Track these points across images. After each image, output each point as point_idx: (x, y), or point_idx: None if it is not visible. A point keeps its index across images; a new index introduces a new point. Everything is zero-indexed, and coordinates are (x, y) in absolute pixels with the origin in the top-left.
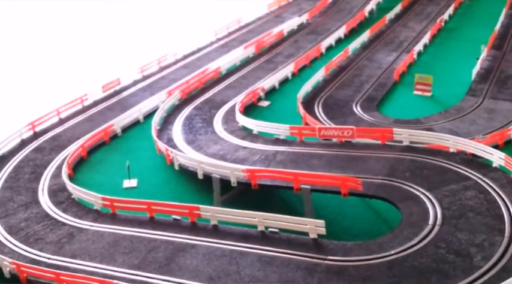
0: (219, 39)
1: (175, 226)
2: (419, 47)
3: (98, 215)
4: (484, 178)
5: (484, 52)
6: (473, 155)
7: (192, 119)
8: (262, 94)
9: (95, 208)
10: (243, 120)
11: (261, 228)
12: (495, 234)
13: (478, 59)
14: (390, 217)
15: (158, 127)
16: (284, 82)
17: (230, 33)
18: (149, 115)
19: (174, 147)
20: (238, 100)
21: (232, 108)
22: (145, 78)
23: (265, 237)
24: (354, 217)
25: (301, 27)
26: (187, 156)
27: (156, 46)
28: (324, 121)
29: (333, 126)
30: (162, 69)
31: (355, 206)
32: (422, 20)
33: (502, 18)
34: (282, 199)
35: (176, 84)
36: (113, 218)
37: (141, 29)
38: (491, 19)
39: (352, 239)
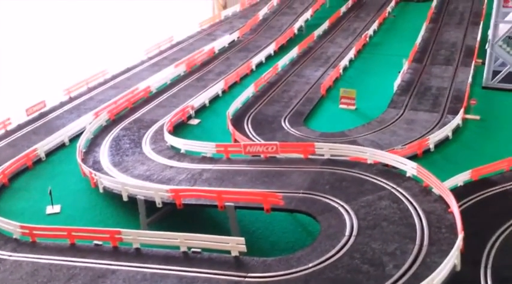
0: (150, 58)
1: (96, 251)
2: (345, 62)
3: (17, 244)
4: (398, 188)
5: (406, 65)
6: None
7: (119, 140)
8: (192, 112)
9: (14, 236)
10: (170, 140)
11: (183, 249)
12: (407, 242)
13: (399, 72)
14: (315, 230)
15: (84, 150)
16: (214, 99)
17: (161, 52)
18: (75, 138)
19: (100, 169)
20: (168, 119)
21: (162, 128)
22: (72, 99)
23: (188, 258)
24: (281, 232)
25: (232, 44)
26: (111, 178)
27: (84, 66)
28: (253, 138)
29: (258, 142)
30: (90, 89)
31: (282, 220)
32: (349, 35)
33: (422, 32)
34: (210, 217)
35: (104, 105)
36: (32, 246)
37: (69, 48)
38: (413, 33)
39: (278, 254)
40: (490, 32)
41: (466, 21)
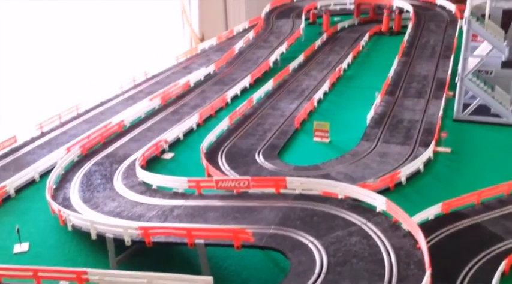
0: (124, 92)
1: None
2: (319, 94)
3: None
4: (367, 223)
5: (378, 98)
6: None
7: (91, 175)
8: (166, 146)
9: None
10: (142, 175)
11: None
12: (376, 280)
13: (372, 104)
14: (287, 266)
15: (54, 186)
16: (189, 133)
17: (136, 85)
18: (46, 174)
19: (69, 206)
20: (140, 154)
21: (134, 162)
22: (44, 134)
23: None
24: (252, 268)
25: (208, 77)
26: (80, 216)
27: (57, 100)
28: (227, 171)
29: (230, 177)
30: (63, 124)
31: (254, 256)
32: (323, 68)
33: (395, 65)
34: (181, 254)
35: (76, 140)
36: None
37: (42, 82)
38: (386, 66)
39: None
40: (459, 66)
41: (438, 54)
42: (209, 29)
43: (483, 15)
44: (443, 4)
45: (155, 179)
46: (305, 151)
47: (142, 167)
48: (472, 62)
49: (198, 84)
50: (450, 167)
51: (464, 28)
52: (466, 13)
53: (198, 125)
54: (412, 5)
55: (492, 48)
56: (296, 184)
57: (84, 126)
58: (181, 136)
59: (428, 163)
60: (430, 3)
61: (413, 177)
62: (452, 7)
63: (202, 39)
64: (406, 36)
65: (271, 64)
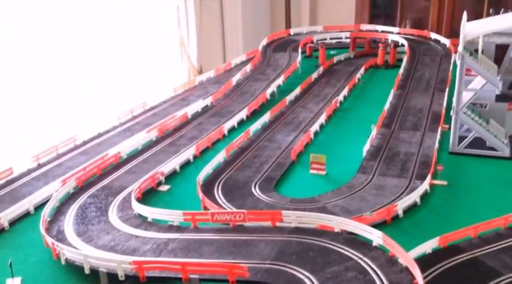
0: (122, 123)
1: None
2: (315, 127)
3: None
4: (364, 258)
5: (374, 131)
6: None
7: (86, 208)
8: (162, 178)
9: None
10: (138, 207)
11: None
12: None
13: (368, 137)
14: None
15: (49, 219)
16: (186, 165)
17: (134, 117)
18: (41, 206)
19: (63, 239)
20: (136, 186)
21: (130, 195)
22: (40, 166)
23: None
24: None
25: (205, 109)
26: (73, 249)
27: (55, 132)
28: (223, 204)
29: (226, 210)
30: (59, 156)
31: None
32: (320, 101)
33: (390, 98)
34: None
35: (72, 172)
36: None
37: (39, 114)
38: (382, 99)
39: None
40: (454, 100)
41: (433, 87)
42: (207, 61)
43: (476, 50)
44: (438, 38)
45: (150, 212)
46: (302, 183)
47: (138, 199)
48: (467, 96)
49: (196, 116)
50: (447, 200)
51: (458, 63)
52: (460, 48)
53: (195, 157)
54: (407, 39)
55: (486, 82)
56: (292, 217)
57: (81, 158)
58: (177, 168)
59: (424, 196)
60: (424, 37)
61: (410, 210)
62: (446, 41)
63: (200, 71)
64: (401, 70)
65: (268, 96)
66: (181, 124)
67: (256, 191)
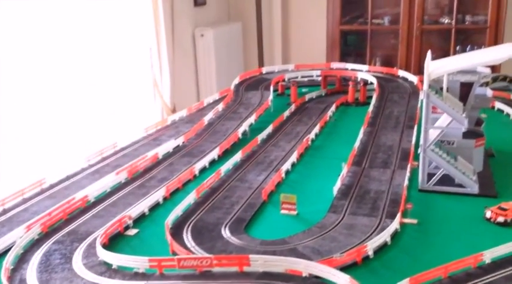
0: (91, 165)
1: None
2: (287, 165)
3: None
4: None
5: (345, 169)
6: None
7: (50, 255)
8: (130, 222)
9: None
10: (103, 254)
11: None
12: None
13: (339, 175)
14: None
15: (11, 267)
16: (155, 207)
17: (104, 158)
18: (4, 254)
19: None
20: (102, 232)
21: (96, 240)
22: (5, 211)
23: None
24: None
25: (176, 149)
26: None
27: (21, 175)
28: (192, 248)
29: (192, 256)
30: (25, 200)
31: None
32: (292, 139)
33: (361, 135)
34: None
35: (38, 217)
36: None
37: (6, 155)
38: (353, 136)
39: None
40: (421, 137)
41: (402, 124)
42: (181, 100)
43: (442, 88)
44: (405, 76)
45: (115, 258)
46: (272, 224)
47: (104, 245)
48: (434, 133)
49: (167, 156)
50: (417, 239)
51: (424, 101)
52: (425, 87)
53: (165, 199)
54: (376, 77)
55: (451, 120)
56: (260, 262)
57: (48, 202)
58: (146, 211)
59: (395, 235)
60: (392, 75)
61: (381, 250)
62: (414, 78)
63: (173, 111)
64: (371, 107)
65: (240, 135)
66: (152, 165)
67: (226, 233)
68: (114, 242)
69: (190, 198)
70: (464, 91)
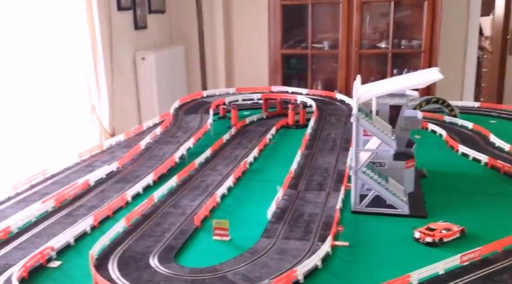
0: (18, 194)
1: None
2: (223, 189)
3: None
4: None
5: (280, 192)
6: None
7: None
8: (53, 253)
9: None
10: None
11: None
12: None
13: (274, 199)
14: None
15: None
16: (82, 237)
17: (32, 186)
18: None
19: None
20: (21, 265)
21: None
22: None
23: None
24: None
25: (110, 175)
26: None
27: None
28: (117, 279)
29: None
30: None
31: None
32: (230, 163)
33: (298, 158)
34: None
35: None
36: None
37: None
38: (292, 159)
39: None
40: (353, 160)
41: (338, 146)
42: (122, 125)
43: (372, 111)
44: (343, 98)
45: None
46: (204, 251)
47: (23, 279)
48: (365, 156)
49: (99, 183)
50: (348, 262)
51: (354, 125)
52: (354, 110)
53: (93, 228)
54: (315, 99)
55: (381, 142)
56: None
57: None
58: (72, 241)
59: (326, 259)
60: (331, 97)
61: (312, 274)
62: (351, 101)
63: (113, 135)
64: (309, 130)
65: (177, 159)
66: (82, 193)
67: (154, 262)
68: (34, 276)
69: (120, 226)
70: (394, 114)
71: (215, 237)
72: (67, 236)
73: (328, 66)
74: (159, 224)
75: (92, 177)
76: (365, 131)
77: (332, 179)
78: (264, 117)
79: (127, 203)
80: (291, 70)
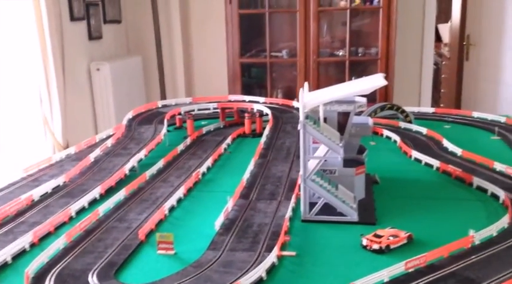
0: None
1: None
2: (172, 201)
3: None
4: None
5: (230, 202)
6: None
7: None
8: None
9: None
10: None
11: None
12: None
13: (224, 210)
14: None
15: None
16: (20, 255)
17: None
18: None
19: None
20: None
21: None
22: None
23: None
24: None
25: (56, 190)
26: None
27: None
28: None
29: None
30: None
31: None
32: (182, 174)
33: (251, 167)
34: None
35: None
36: None
37: None
38: (245, 168)
39: None
40: (301, 168)
41: (292, 155)
42: (77, 137)
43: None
44: (299, 106)
45: None
46: (147, 266)
47: None
48: (314, 163)
49: (44, 197)
50: (294, 272)
51: (301, 132)
52: (301, 118)
53: (33, 245)
54: (271, 108)
55: (328, 150)
56: None
57: None
58: (9, 259)
59: (272, 270)
60: (287, 106)
61: None
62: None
63: (66, 148)
64: (263, 138)
65: (127, 172)
66: (25, 209)
67: (93, 280)
68: None
69: (60, 243)
70: (343, 120)
71: (159, 251)
72: (4, 254)
73: (288, 74)
74: (102, 240)
75: (36, 192)
76: (313, 139)
77: (284, 188)
78: (222, 126)
79: (71, 218)
80: (252, 79)
